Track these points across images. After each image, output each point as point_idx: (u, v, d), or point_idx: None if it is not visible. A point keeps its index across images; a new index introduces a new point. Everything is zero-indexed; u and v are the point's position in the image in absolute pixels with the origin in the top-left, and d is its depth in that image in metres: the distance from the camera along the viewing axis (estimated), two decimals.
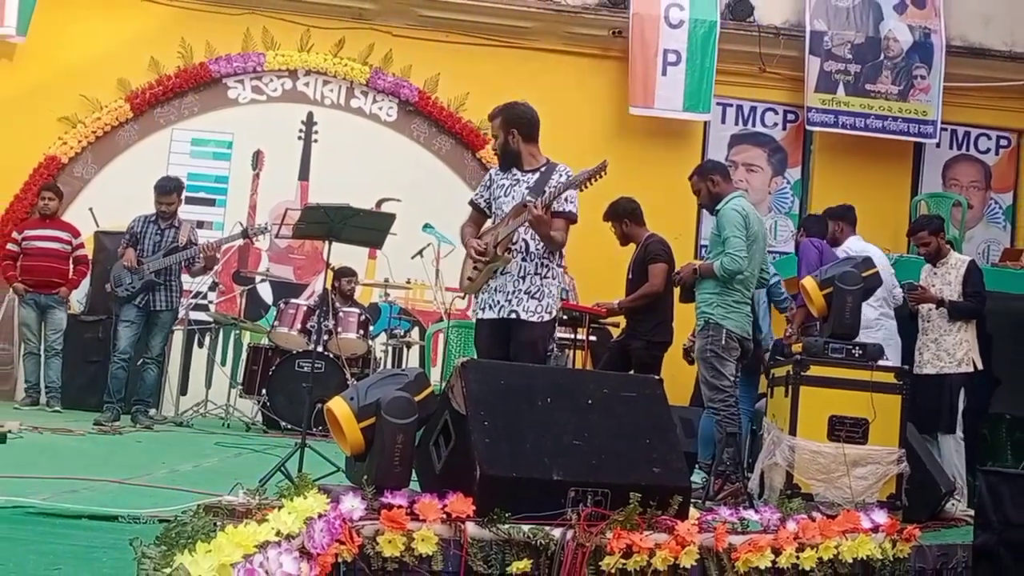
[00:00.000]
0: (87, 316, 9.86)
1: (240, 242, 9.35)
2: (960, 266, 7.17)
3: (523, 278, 5.28)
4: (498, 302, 5.27)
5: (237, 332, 10.23)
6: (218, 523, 2.65)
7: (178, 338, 9.67)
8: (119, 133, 10.83)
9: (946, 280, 7.18)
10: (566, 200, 5.28)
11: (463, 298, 5.73)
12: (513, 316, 5.24)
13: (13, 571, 2.54)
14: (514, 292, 5.26)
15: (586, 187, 5.33)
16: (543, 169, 5.42)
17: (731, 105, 11.46)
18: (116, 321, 8.28)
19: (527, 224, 5.20)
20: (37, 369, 9.31)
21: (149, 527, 3.14)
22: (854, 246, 7.40)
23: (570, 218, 5.34)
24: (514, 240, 5.27)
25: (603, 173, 5.40)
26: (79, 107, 10.68)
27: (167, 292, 8.15)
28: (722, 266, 5.79)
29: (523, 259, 5.28)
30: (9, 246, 9.60)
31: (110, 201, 10.28)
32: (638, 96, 10.99)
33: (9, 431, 6.10)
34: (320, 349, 8.49)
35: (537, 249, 5.28)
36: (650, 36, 11.02)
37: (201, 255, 8.24)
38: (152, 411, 8.52)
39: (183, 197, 8.54)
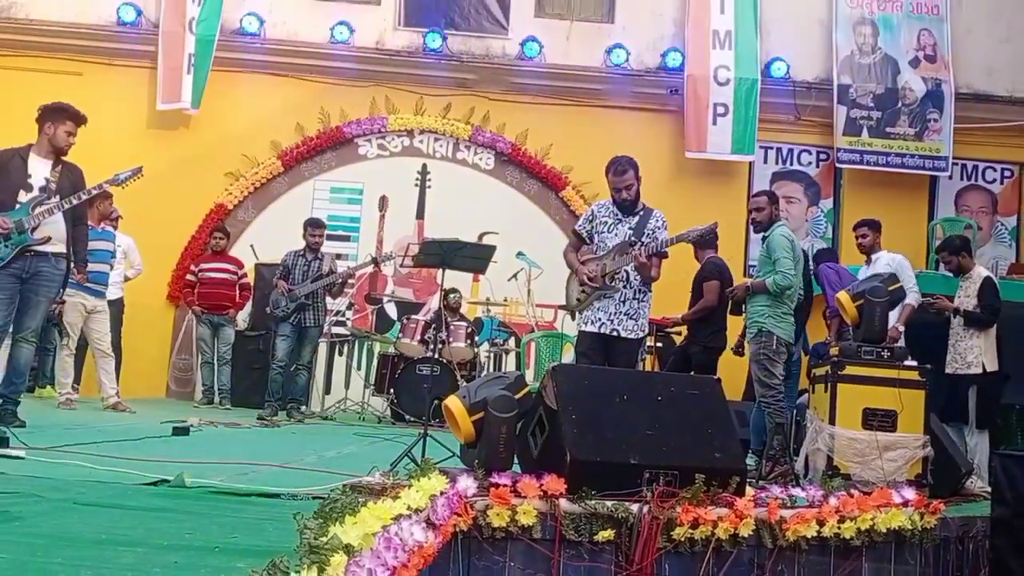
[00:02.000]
0: (250, 332, 10.07)
1: (371, 268, 9.47)
2: (978, 280, 6.95)
3: (623, 302, 5.37)
4: (600, 319, 5.36)
5: (369, 343, 10.34)
6: (360, 499, 2.67)
7: (323, 349, 9.83)
8: (272, 184, 11.05)
9: (968, 292, 6.97)
10: (662, 244, 5.38)
11: (568, 314, 5.79)
12: (615, 334, 5.32)
13: (200, 539, 2.58)
14: (615, 313, 5.35)
15: (695, 242, 5.61)
16: (641, 213, 5.46)
17: (772, 148, 11.28)
18: (274, 336, 8.45)
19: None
20: (211, 375, 9.55)
21: (305, 503, 3.18)
22: (884, 257, 7.25)
23: (664, 257, 5.44)
24: (618, 272, 5.33)
25: (714, 235, 5.56)
26: (241, 164, 10.93)
27: (314, 312, 8.31)
28: (775, 282, 5.72)
29: (624, 286, 5.34)
30: (188, 276, 9.87)
31: (267, 239, 10.48)
32: (692, 142, 10.91)
33: (191, 425, 6.25)
34: (436, 356, 8.56)
35: (635, 280, 5.38)
36: (702, 93, 10.92)
37: (339, 280, 8.40)
38: (303, 408, 8.66)
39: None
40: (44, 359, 8.93)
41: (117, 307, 8.84)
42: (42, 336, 8.68)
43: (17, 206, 5.48)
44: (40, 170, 5.59)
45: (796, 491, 3.91)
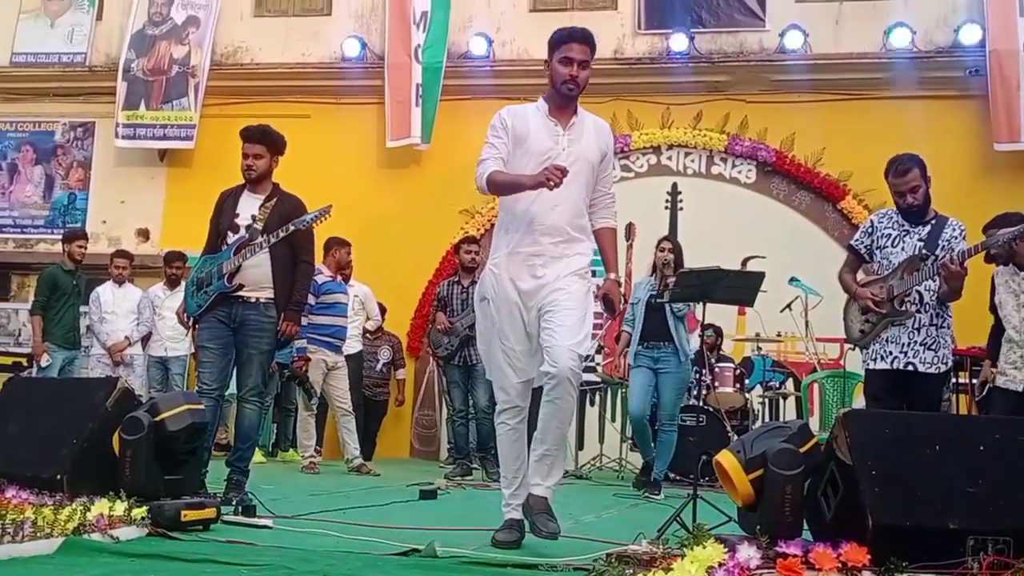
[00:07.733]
0: None
1: None
2: None
3: (918, 330, 5.06)
4: (891, 353, 5.08)
5: (623, 390, 10.36)
6: (628, 571, 2.69)
7: None
8: None
9: None
10: (961, 256, 4.99)
11: (853, 349, 5.51)
12: (910, 368, 5.03)
13: None
14: (909, 344, 5.05)
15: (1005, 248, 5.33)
16: (933, 222, 5.17)
17: None
18: (447, 383, 8.40)
19: (935, 277, 5.00)
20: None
21: (565, 574, 3.25)
22: None
23: (964, 274, 5.03)
24: (908, 293, 5.07)
25: None
26: (476, 199, 11.29)
27: None
28: None
29: (918, 310, 5.06)
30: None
31: None
32: (1002, 132, 10.26)
33: (438, 488, 6.49)
34: (700, 403, 8.45)
35: (931, 300, 5.06)
36: (1010, 71, 10.27)
37: None
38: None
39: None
40: (286, 421, 9.63)
41: (356, 361, 9.34)
42: (283, 396, 9.49)
43: (223, 248, 5.48)
44: (249, 208, 5.52)
45: None
